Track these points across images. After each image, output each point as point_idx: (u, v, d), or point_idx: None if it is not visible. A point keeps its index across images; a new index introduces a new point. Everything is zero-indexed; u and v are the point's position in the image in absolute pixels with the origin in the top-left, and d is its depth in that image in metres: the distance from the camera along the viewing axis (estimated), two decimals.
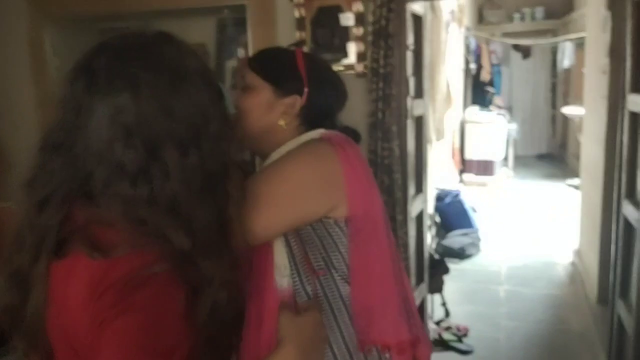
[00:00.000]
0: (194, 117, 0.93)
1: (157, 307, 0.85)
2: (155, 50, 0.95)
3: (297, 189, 1.16)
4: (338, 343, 1.21)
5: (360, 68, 2.62)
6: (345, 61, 2.67)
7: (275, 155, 1.25)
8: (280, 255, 1.20)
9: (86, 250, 0.86)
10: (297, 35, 2.72)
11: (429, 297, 3.45)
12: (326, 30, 2.72)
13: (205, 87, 0.97)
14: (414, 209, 2.91)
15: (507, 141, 7.87)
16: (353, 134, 1.35)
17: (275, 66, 1.29)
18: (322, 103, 1.28)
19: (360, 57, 2.60)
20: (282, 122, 1.26)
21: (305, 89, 1.26)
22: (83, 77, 0.91)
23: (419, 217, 3.08)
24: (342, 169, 1.17)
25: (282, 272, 1.20)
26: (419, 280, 3.15)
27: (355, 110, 2.63)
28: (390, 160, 2.52)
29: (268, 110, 1.26)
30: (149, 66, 0.92)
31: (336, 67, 2.69)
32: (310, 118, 1.27)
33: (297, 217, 1.18)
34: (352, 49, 2.65)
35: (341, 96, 1.35)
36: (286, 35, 2.76)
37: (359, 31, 2.61)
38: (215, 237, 0.95)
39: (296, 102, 1.25)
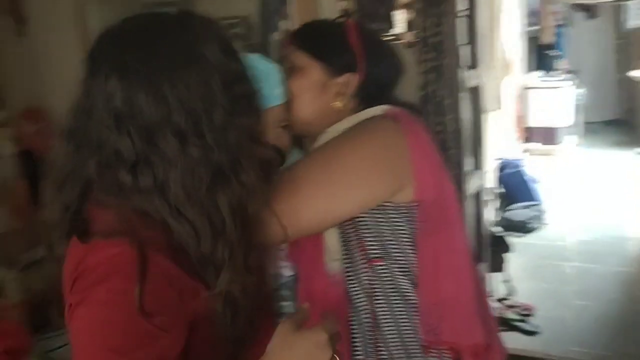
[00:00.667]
0: (194, 105, 0.87)
1: (117, 304, 0.82)
2: (155, 35, 0.88)
3: (355, 174, 1.04)
4: (394, 342, 1.10)
5: (408, 38, 2.47)
6: (392, 31, 2.52)
7: (328, 135, 1.13)
8: (331, 236, 1.10)
9: (77, 232, 0.87)
10: (341, 4, 2.59)
11: (489, 275, 3.29)
12: None
13: (215, 74, 0.88)
14: (471, 186, 2.75)
15: (573, 107, 7.48)
16: (413, 111, 1.22)
17: (324, 41, 1.17)
18: (380, 78, 1.16)
19: (409, 26, 2.44)
20: (337, 104, 1.14)
21: (360, 66, 1.13)
22: (87, 61, 0.90)
23: (477, 195, 2.91)
24: (409, 147, 1.05)
25: (333, 255, 1.10)
26: (478, 260, 3.00)
27: (404, 83, 2.48)
28: (444, 136, 2.38)
29: (320, 92, 1.14)
30: (141, 52, 0.86)
31: (384, 38, 2.55)
32: (369, 96, 1.15)
33: (354, 207, 1.07)
34: (400, 17, 2.49)
35: (398, 69, 1.22)
36: (330, 5, 2.63)
37: None
38: (228, 235, 0.89)
39: (351, 80, 1.13)
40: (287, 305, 1.24)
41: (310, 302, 1.07)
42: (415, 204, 1.07)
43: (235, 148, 0.90)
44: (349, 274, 1.10)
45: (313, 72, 1.15)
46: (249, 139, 0.92)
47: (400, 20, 2.50)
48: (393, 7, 2.53)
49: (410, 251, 1.09)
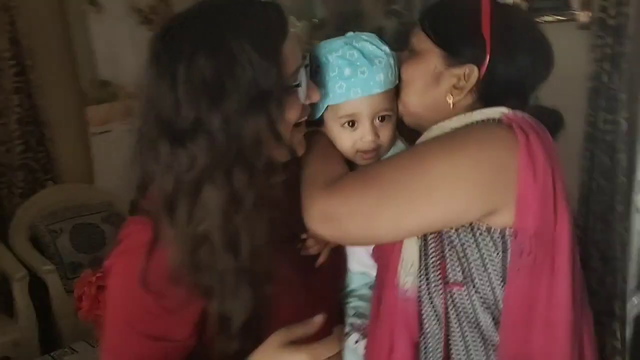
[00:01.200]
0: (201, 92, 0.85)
1: (127, 277, 0.90)
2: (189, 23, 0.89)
3: (444, 186, 0.87)
4: None
5: (583, 18, 2.11)
6: (565, 11, 2.18)
7: (432, 132, 0.96)
8: (409, 248, 0.94)
9: (131, 207, 0.95)
10: None
11: None
12: None
13: (234, 68, 0.85)
14: None
15: None
16: (552, 119, 1.00)
17: (449, 25, 0.98)
18: (511, 76, 0.95)
19: (585, 4, 2.08)
20: (449, 99, 0.96)
21: (487, 57, 0.93)
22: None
23: None
24: (519, 165, 0.85)
25: (408, 269, 0.94)
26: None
27: (572, 71, 2.14)
28: (614, 137, 2.02)
29: (433, 82, 0.97)
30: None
31: (553, 17, 2.22)
32: (492, 95, 0.95)
33: (433, 223, 0.90)
34: None
35: (542, 66, 0.98)
36: None
37: None
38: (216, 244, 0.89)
39: (472, 73, 0.94)
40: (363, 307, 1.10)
41: (377, 315, 0.99)
42: (513, 231, 0.87)
43: (240, 140, 0.86)
44: (423, 293, 0.94)
45: (430, 58, 0.97)
46: (254, 141, 0.86)
47: None
48: None
49: (499, 284, 0.90)
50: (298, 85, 0.92)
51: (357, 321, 1.09)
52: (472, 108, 0.94)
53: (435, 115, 0.97)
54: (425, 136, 0.96)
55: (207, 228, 0.87)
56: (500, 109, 0.91)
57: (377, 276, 1.04)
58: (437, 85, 0.96)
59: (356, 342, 1.07)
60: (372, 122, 1.03)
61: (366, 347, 1.03)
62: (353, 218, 0.89)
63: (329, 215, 0.90)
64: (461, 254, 0.91)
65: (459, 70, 0.94)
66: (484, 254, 0.89)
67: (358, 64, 1.01)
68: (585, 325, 0.95)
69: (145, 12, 3.31)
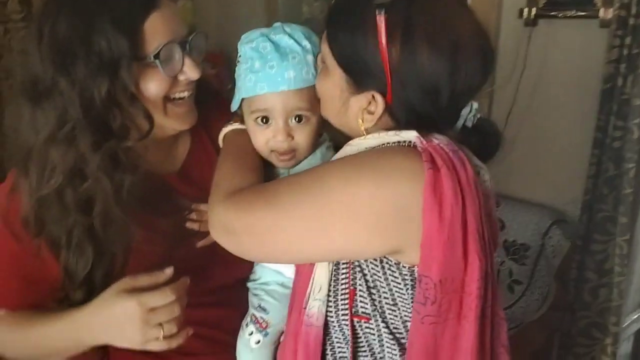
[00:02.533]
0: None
1: None
2: None
3: (342, 218, 0.79)
4: None
5: (606, 15, 1.97)
6: (588, 6, 2.04)
7: (346, 149, 0.88)
8: (320, 271, 0.88)
9: None
10: None
11: None
12: None
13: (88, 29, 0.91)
14: None
15: None
16: (485, 139, 0.90)
17: (347, 46, 0.84)
18: (423, 103, 0.82)
19: (608, 0, 1.95)
20: (360, 124, 0.86)
21: (387, 87, 0.81)
22: None
23: None
24: (423, 205, 0.76)
25: (316, 293, 0.88)
26: None
27: (589, 71, 2.03)
28: (623, 144, 1.89)
29: (342, 104, 0.88)
30: None
31: (574, 13, 2.09)
32: (408, 118, 0.84)
33: (332, 253, 0.84)
34: None
35: (470, 77, 0.82)
36: None
37: None
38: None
39: (377, 103, 0.83)
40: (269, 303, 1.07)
41: (288, 331, 0.95)
42: (417, 277, 0.80)
43: (83, 112, 0.90)
44: (331, 319, 0.88)
45: (336, 78, 0.87)
46: (101, 105, 0.91)
47: None
48: None
49: (409, 318, 0.83)
50: (156, 59, 0.94)
51: (258, 314, 1.06)
52: (389, 128, 0.85)
53: (354, 133, 0.89)
54: (341, 153, 0.88)
55: (55, 188, 0.92)
56: (412, 133, 0.82)
57: (293, 286, 0.97)
58: (347, 109, 0.87)
59: (250, 334, 1.05)
60: (286, 122, 0.98)
61: None
62: (249, 236, 0.84)
63: (226, 228, 0.85)
64: (371, 285, 0.84)
65: (361, 97, 0.84)
66: (392, 288, 0.83)
67: (268, 57, 0.96)
68: None
69: None
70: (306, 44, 0.98)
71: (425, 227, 0.77)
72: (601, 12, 1.99)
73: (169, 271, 0.92)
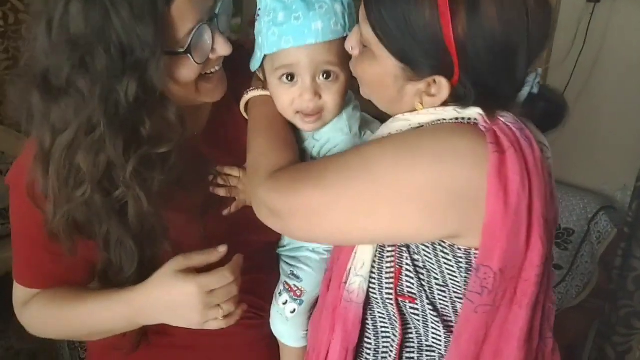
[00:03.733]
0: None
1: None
2: None
3: (392, 201, 0.75)
4: None
5: None
6: None
7: (395, 123, 0.82)
8: (365, 247, 0.84)
9: None
10: None
11: None
12: None
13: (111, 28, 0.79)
14: None
15: None
16: (549, 107, 0.84)
17: (403, 35, 0.75)
18: (497, 75, 0.76)
19: None
20: (419, 107, 0.81)
21: (455, 69, 0.74)
22: None
23: None
24: (487, 190, 0.71)
25: (358, 269, 0.84)
26: None
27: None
28: None
29: (395, 92, 0.81)
30: None
31: None
32: (470, 96, 0.77)
33: (381, 237, 0.81)
34: None
35: (543, 33, 0.77)
36: None
37: None
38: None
39: (441, 85, 0.76)
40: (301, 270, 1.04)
41: (323, 305, 0.92)
42: (475, 264, 0.76)
43: (108, 114, 0.80)
44: (373, 298, 0.85)
45: (387, 66, 0.79)
46: (129, 107, 0.81)
47: None
48: None
49: (459, 300, 0.80)
50: (185, 52, 0.83)
51: (291, 282, 1.02)
52: (445, 103, 0.79)
53: (400, 109, 0.83)
54: (388, 127, 0.83)
55: (83, 195, 0.84)
56: (475, 110, 0.76)
57: (330, 259, 0.94)
58: (402, 96, 0.81)
59: (284, 303, 1.01)
60: (313, 79, 0.90)
61: (310, 336, 0.99)
62: (294, 218, 0.81)
63: (272, 210, 0.82)
64: (420, 266, 0.81)
65: (423, 84, 0.78)
66: (444, 270, 0.79)
67: (293, 7, 0.87)
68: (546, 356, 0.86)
69: None
70: None
71: (489, 214, 0.72)
72: None
73: (222, 249, 0.90)
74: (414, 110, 0.81)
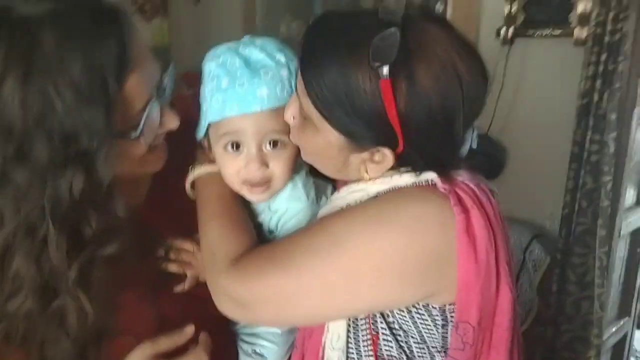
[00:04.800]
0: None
1: None
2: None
3: (370, 274, 0.74)
4: None
5: (581, 34, 2.03)
6: (563, 25, 2.10)
7: (351, 193, 0.82)
8: (337, 321, 0.83)
9: None
10: None
11: (636, 332, 2.74)
12: None
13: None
14: (628, 224, 2.26)
15: None
16: (491, 157, 0.87)
17: (346, 106, 0.74)
18: (438, 143, 0.77)
19: (583, 19, 2.01)
20: (365, 175, 0.81)
21: (399, 140, 0.75)
22: None
23: (636, 234, 2.39)
24: (457, 250, 0.73)
25: (334, 344, 0.83)
26: (623, 313, 2.49)
27: (564, 88, 2.08)
28: (600, 158, 1.94)
29: (340, 162, 0.81)
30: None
31: (550, 32, 2.15)
32: (416, 162, 0.79)
33: (361, 310, 0.80)
34: (577, 8, 2.07)
35: (479, 101, 0.78)
36: None
37: None
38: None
39: (385, 157, 0.77)
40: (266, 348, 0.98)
41: None
42: (452, 307, 0.77)
43: (49, 211, 0.70)
44: None
45: (330, 137, 0.78)
46: (71, 203, 0.71)
47: (576, 11, 2.07)
48: None
49: (439, 353, 0.80)
50: (137, 136, 0.77)
51: None
52: (395, 169, 0.80)
53: (345, 176, 0.84)
54: (346, 199, 0.83)
55: (18, 308, 0.74)
56: (430, 175, 0.78)
57: (299, 335, 0.92)
58: (347, 165, 0.81)
59: None
60: (259, 147, 0.86)
61: None
62: (264, 306, 0.78)
63: (236, 301, 0.79)
64: (396, 328, 0.80)
65: (366, 154, 0.79)
66: (421, 330, 0.79)
67: (238, 74, 0.84)
68: None
69: (139, 3, 3.27)
70: (280, 57, 0.86)
71: (462, 272, 0.74)
72: (576, 31, 2.04)
73: (189, 330, 0.84)
74: (359, 176, 0.81)
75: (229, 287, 0.79)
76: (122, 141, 0.76)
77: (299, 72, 0.78)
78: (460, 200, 0.75)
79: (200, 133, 0.91)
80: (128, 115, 0.75)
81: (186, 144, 0.93)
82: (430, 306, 0.78)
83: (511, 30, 2.21)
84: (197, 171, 0.91)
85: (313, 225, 0.82)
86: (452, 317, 0.78)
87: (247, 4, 3.01)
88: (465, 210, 0.74)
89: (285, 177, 0.89)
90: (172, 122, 0.83)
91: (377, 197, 0.80)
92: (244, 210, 0.90)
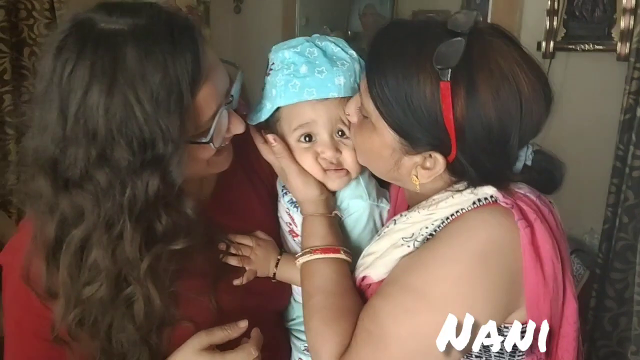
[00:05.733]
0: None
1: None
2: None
3: (462, 311, 0.75)
4: None
5: (623, 50, 2.04)
6: (605, 40, 2.11)
7: (412, 226, 0.84)
8: None
9: None
10: (549, 3, 2.23)
11: None
12: None
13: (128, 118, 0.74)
14: None
15: None
16: (548, 173, 0.88)
17: (406, 108, 0.77)
18: (492, 156, 0.79)
19: (625, 35, 2.01)
20: (415, 181, 0.84)
21: (453, 147, 0.77)
22: None
23: None
24: (524, 264, 0.75)
25: None
26: None
27: (607, 103, 2.08)
28: None
29: (392, 163, 0.84)
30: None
31: (592, 47, 2.15)
32: (476, 174, 0.81)
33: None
34: (619, 24, 2.07)
35: (539, 118, 0.79)
36: (534, 3, 2.29)
37: (630, 1, 2.01)
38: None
39: (437, 161, 0.80)
40: None
41: None
42: (524, 324, 0.79)
43: (126, 209, 0.76)
44: None
45: (386, 138, 0.81)
46: (147, 202, 0.77)
47: (618, 27, 2.08)
48: (614, 11, 2.12)
49: None
50: (207, 142, 0.82)
51: (306, 358, 1.01)
52: (448, 182, 0.83)
53: (395, 179, 0.87)
54: (403, 229, 0.85)
55: (93, 293, 0.80)
56: (490, 189, 0.79)
57: None
58: (399, 167, 0.83)
59: None
60: (331, 135, 0.91)
61: None
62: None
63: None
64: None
65: (418, 158, 0.81)
66: (491, 355, 0.81)
67: (317, 62, 0.89)
68: None
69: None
70: (352, 52, 0.92)
71: (530, 286, 0.76)
72: (618, 47, 2.05)
73: (242, 324, 0.87)
74: (409, 180, 0.84)
75: None
76: (193, 146, 0.81)
77: (364, 72, 0.83)
78: (523, 214, 0.77)
79: (262, 117, 0.94)
80: (199, 122, 0.80)
81: (248, 145, 0.98)
82: (503, 327, 0.79)
83: (552, 44, 2.22)
84: (300, 260, 0.93)
85: (391, 287, 0.83)
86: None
87: (287, 14, 3.07)
88: (529, 224, 0.76)
89: (357, 164, 0.92)
90: (239, 128, 0.88)
91: (442, 231, 0.80)
92: (350, 298, 0.89)
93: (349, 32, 2.95)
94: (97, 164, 0.75)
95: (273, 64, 0.93)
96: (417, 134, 0.78)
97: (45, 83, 0.75)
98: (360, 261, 0.90)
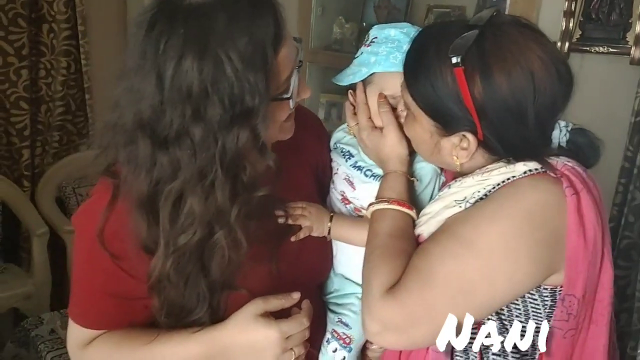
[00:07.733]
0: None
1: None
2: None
3: (505, 269, 0.83)
4: None
5: (637, 54, 2.08)
6: (620, 44, 2.15)
7: (465, 190, 0.92)
8: None
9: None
10: (566, 5, 2.27)
11: None
12: None
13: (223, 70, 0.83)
14: None
15: None
16: (584, 150, 0.97)
17: (429, 95, 0.91)
18: (513, 132, 0.89)
19: None
20: (456, 161, 0.94)
21: (477, 125, 0.89)
22: None
23: None
24: (568, 229, 0.83)
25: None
26: None
27: (618, 105, 2.12)
28: None
29: (435, 146, 0.96)
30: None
31: (606, 49, 2.19)
32: (504, 149, 0.92)
33: (500, 304, 0.88)
34: (634, 29, 2.11)
35: (553, 98, 0.89)
36: (552, 3, 2.32)
37: None
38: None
39: (468, 140, 0.92)
40: (350, 318, 1.10)
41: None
42: (561, 295, 0.86)
43: (218, 160, 0.85)
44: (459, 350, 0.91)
45: (424, 124, 0.95)
46: (237, 154, 0.86)
47: (634, 30, 2.12)
48: (631, 14, 2.16)
49: (535, 330, 0.87)
50: (289, 98, 0.91)
51: (340, 330, 1.07)
52: (491, 159, 0.92)
53: (449, 167, 0.98)
54: (456, 192, 0.92)
55: (189, 239, 0.87)
56: (533, 163, 0.88)
57: None
58: (440, 149, 0.94)
59: (334, 351, 1.06)
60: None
61: None
62: (418, 327, 0.86)
63: (391, 326, 0.86)
64: (505, 316, 0.89)
65: (452, 139, 0.92)
66: (529, 310, 0.88)
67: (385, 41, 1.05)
68: None
69: None
70: None
71: (570, 248, 0.83)
72: (632, 51, 2.09)
73: (296, 295, 0.94)
74: (451, 161, 0.94)
75: (382, 314, 0.87)
76: (274, 104, 0.90)
77: (404, 80, 0.95)
78: (571, 183, 0.85)
79: (356, 79, 1.08)
80: (280, 81, 0.89)
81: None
82: (542, 288, 0.86)
83: (567, 44, 2.26)
84: (371, 208, 1.03)
85: (442, 234, 0.91)
86: (558, 296, 0.86)
87: (303, 6, 3.09)
88: (576, 192, 0.84)
89: None
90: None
91: (494, 193, 0.88)
92: (409, 245, 0.97)
93: (364, 24, 2.98)
94: (192, 121, 0.83)
95: (376, 37, 1.07)
96: (446, 116, 0.91)
97: (139, 58, 0.83)
98: (416, 221, 0.99)
